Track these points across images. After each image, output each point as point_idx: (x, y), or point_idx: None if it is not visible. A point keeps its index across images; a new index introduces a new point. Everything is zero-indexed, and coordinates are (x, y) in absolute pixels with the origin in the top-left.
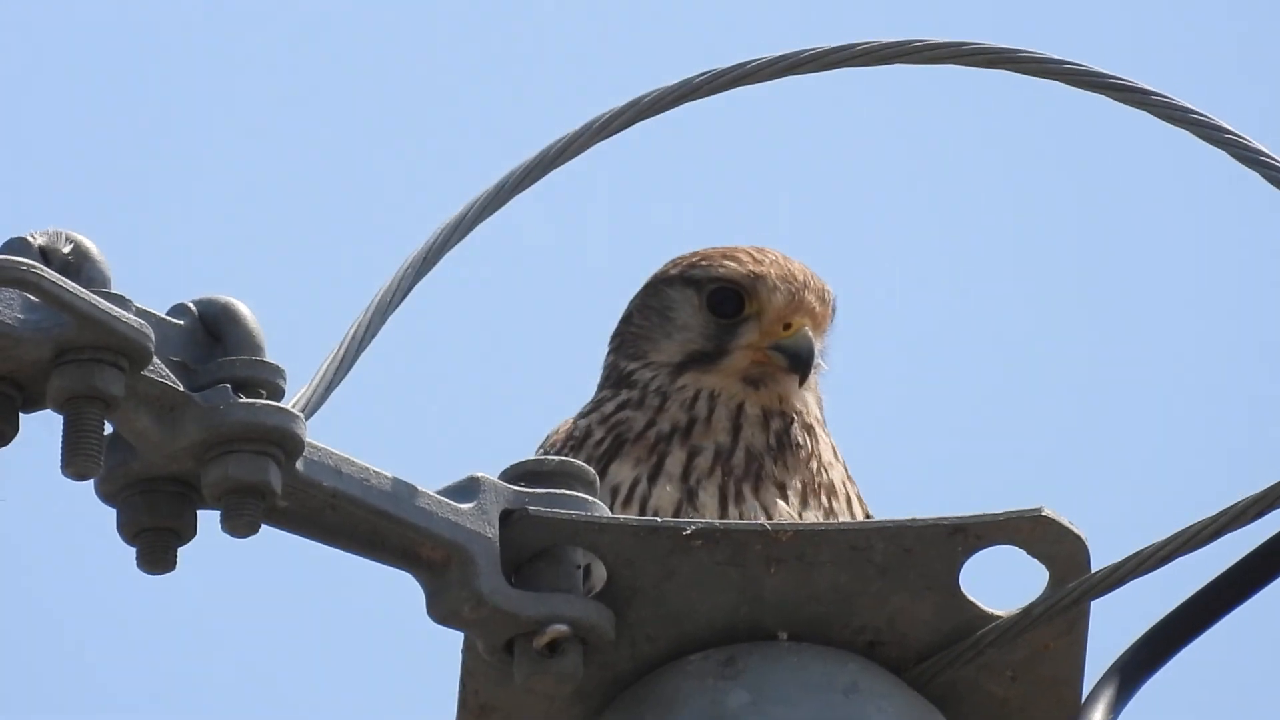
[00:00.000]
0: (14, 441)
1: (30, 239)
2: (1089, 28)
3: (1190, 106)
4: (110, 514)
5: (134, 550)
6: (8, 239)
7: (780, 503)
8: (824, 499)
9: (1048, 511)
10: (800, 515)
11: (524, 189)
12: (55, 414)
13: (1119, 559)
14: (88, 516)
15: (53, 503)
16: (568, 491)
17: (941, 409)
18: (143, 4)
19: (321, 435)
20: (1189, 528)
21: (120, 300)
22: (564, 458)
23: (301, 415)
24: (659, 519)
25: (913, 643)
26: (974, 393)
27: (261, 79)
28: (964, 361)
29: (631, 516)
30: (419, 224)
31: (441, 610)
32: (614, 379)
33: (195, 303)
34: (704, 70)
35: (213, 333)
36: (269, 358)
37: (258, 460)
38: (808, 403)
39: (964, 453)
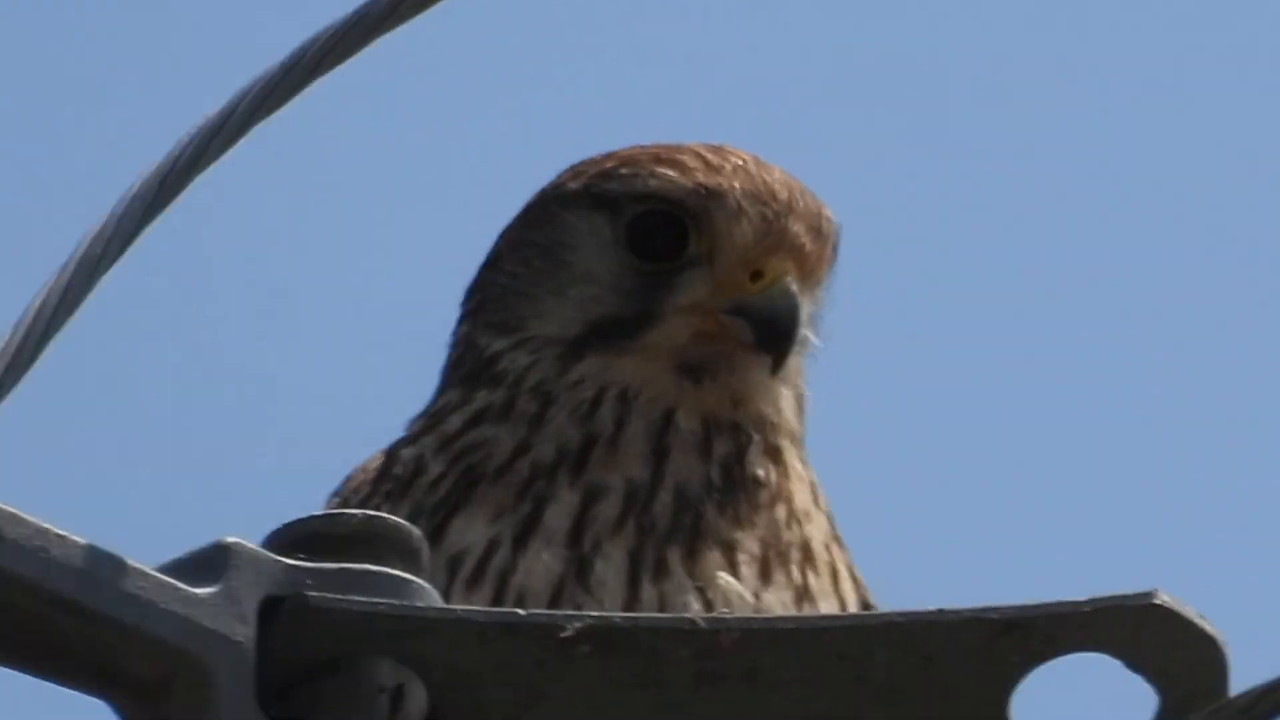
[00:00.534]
0: None
1: None
2: None
3: None
4: None
5: None
6: None
7: (724, 577)
8: (795, 571)
9: (1164, 597)
10: (756, 599)
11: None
12: None
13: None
14: None
15: None
16: (373, 566)
17: (987, 438)
18: None
19: None
20: None
21: None
22: (371, 512)
23: None
24: (523, 610)
25: None
26: (1040, 415)
27: None
28: (1025, 364)
29: (478, 608)
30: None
31: None
32: (467, 368)
33: None
34: None
35: None
36: None
37: None
38: (781, 408)
39: (1019, 509)
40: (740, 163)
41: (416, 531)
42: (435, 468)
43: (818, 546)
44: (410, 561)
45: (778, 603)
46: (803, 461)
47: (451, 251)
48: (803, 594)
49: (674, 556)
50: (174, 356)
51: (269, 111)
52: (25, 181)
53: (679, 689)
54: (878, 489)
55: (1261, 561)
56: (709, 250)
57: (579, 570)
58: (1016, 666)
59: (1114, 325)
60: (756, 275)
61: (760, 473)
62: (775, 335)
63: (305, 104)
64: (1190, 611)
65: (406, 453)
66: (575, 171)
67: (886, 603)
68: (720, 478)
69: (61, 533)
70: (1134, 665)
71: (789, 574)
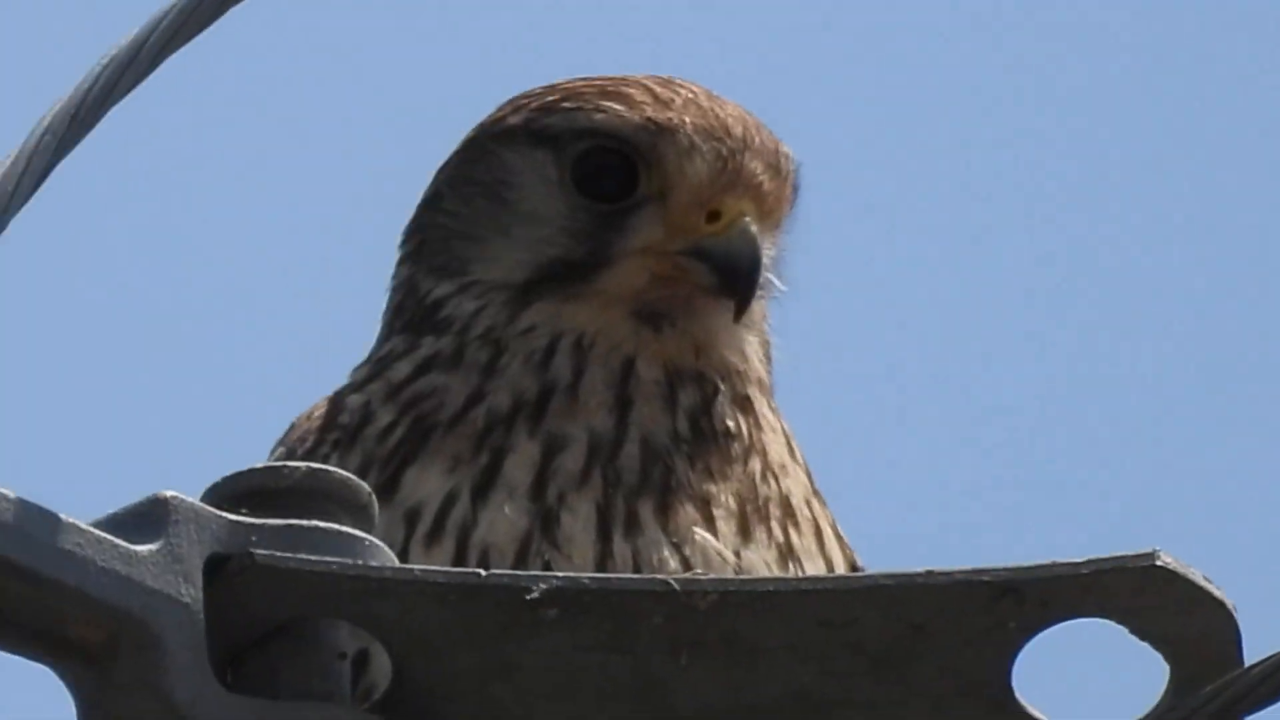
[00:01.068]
0: None
1: None
2: None
3: None
4: None
5: None
6: None
7: (701, 534)
8: (775, 528)
9: (1167, 559)
10: (737, 558)
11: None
12: None
13: None
14: None
15: None
16: (323, 523)
17: (974, 389)
18: None
19: None
20: None
21: None
22: (316, 465)
23: None
24: (485, 571)
25: None
26: (1028, 366)
27: None
28: (1012, 310)
29: (437, 567)
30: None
31: None
32: (411, 313)
33: None
34: None
35: None
36: None
37: None
38: (747, 355)
39: (1014, 461)
40: (691, 96)
41: (365, 486)
42: (384, 416)
43: (798, 502)
44: (359, 517)
45: (760, 562)
46: (774, 411)
47: (386, 186)
48: (786, 553)
49: (645, 511)
50: (98, 298)
51: (182, 41)
52: None
53: (654, 655)
54: (855, 442)
55: (1268, 527)
56: (661, 189)
57: (544, 524)
58: (1015, 633)
59: (1112, 274)
60: (713, 216)
61: (730, 423)
62: (736, 279)
63: (219, 33)
64: (1196, 574)
65: (353, 399)
66: (515, 105)
67: (872, 560)
68: (688, 429)
69: None
70: (1138, 631)
71: (770, 531)
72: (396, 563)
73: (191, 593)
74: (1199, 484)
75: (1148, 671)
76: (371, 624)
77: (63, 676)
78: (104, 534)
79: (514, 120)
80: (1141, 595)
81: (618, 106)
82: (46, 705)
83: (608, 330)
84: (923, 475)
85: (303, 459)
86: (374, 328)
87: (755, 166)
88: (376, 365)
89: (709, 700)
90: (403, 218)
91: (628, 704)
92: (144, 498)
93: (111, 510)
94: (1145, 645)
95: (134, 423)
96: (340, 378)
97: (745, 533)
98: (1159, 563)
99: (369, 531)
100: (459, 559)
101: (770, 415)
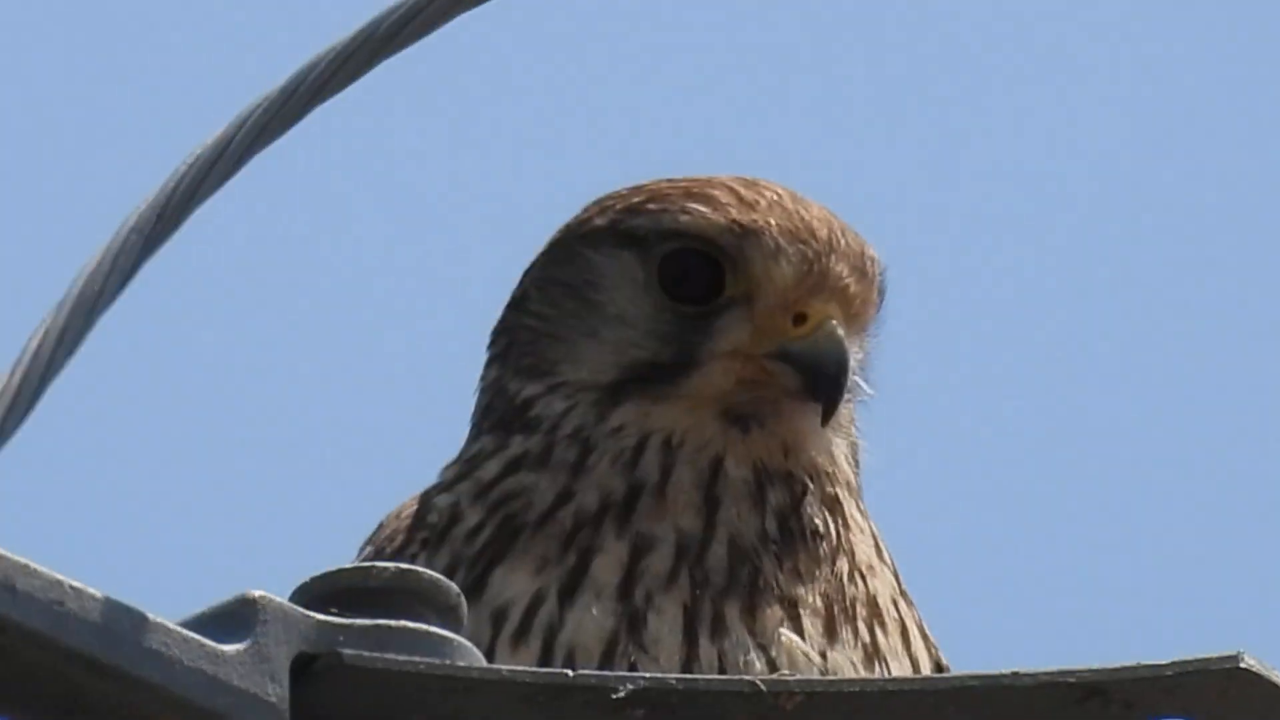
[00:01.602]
0: None
1: None
2: None
3: None
4: None
5: None
6: None
7: (788, 635)
8: (862, 628)
9: (1250, 660)
10: (823, 658)
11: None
12: None
13: None
14: None
15: None
16: (410, 623)
17: (1060, 492)
18: None
19: None
20: None
21: None
22: (405, 565)
23: None
24: (571, 671)
25: None
26: (1110, 471)
27: None
28: (1095, 415)
29: (524, 668)
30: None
31: None
32: (499, 413)
33: None
34: None
35: None
36: None
37: None
38: (835, 456)
39: (1100, 562)
40: (776, 197)
41: (454, 586)
42: (473, 516)
43: (884, 602)
44: (448, 617)
45: (846, 662)
46: (862, 512)
47: (473, 287)
48: (872, 653)
49: (732, 612)
50: (186, 396)
51: (268, 140)
52: (17, 218)
53: None
54: (943, 542)
55: None
56: (747, 292)
57: (631, 626)
58: None
59: (1189, 380)
60: (799, 319)
61: (818, 523)
62: (823, 383)
63: (306, 131)
64: (1278, 675)
65: (441, 500)
66: (601, 206)
67: (957, 664)
68: (776, 529)
69: (77, 585)
70: None
71: (856, 631)
72: (484, 663)
73: (278, 692)
74: None
75: None
76: None
77: None
78: (191, 633)
79: (600, 221)
80: (1225, 697)
81: (703, 208)
82: None
83: (696, 430)
84: (1010, 575)
85: (391, 558)
86: (463, 428)
87: (841, 269)
88: (465, 465)
89: None
90: (491, 319)
91: None
92: (232, 597)
93: (199, 609)
94: None
95: (223, 521)
96: (429, 477)
97: (831, 633)
98: (1243, 665)
99: (457, 632)
100: (545, 659)
101: (858, 516)
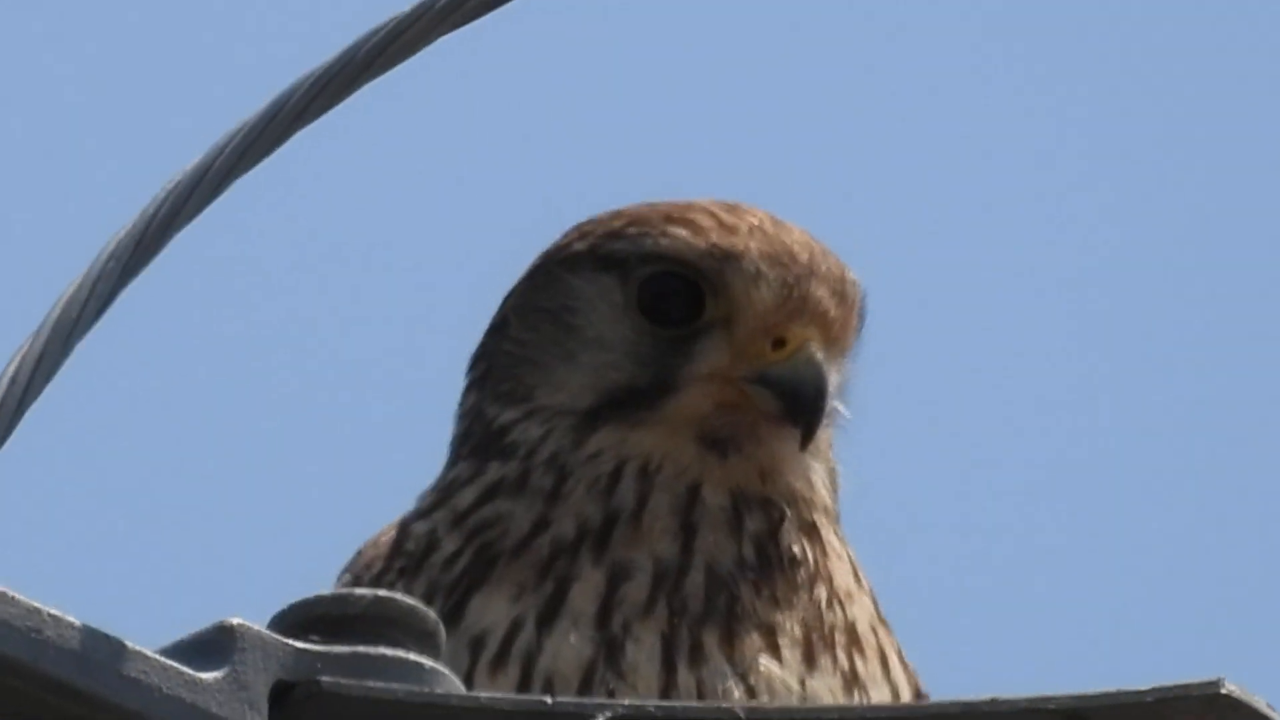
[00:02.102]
0: None
1: None
2: None
3: None
4: None
5: None
6: None
7: (765, 663)
8: (841, 656)
9: (1231, 687)
10: (801, 686)
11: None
12: None
13: None
14: None
15: None
16: (388, 650)
17: (1037, 518)
18: None
19: None
20: None
21: None
22: (383, 592)
23: None
24: (550, 699)
25: None
26: (1088, 495)
27: None
28: (1088, 430)
29: (503, 694)
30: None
31: None
32: (477, 439)
33: None
34: None
35: None
36: None
37: None
38: (812, 482)
39: (1079, 587)
40: (756, 222)
41: (431, 613)
42: (449, 544)
43: (864, 629)
44: (426, 645)
45: (825, 690)
46: (840, 538)
47: (452, 312)
48: (851, 681)
49: (710, 640)
50: (161, 424)
51: (248, 166)
52: None
53: None
54: (920, 568)
55: None
56: (726, 315)
57: (609, 653)
58: None
59: (1171, 399)
60: (779, 343)
61: (796, 550)
62: (801, 407)
63: (285, 157)
64: (1259, 702)
65: (418, 527)
66: (581, 231)
67: (935, 690)
68: (754, 555)
69: (55, 612)
70: None
71: (835, 659)
72: (463, 690)
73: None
74: (1265, 609)
75: None
76: None
77: None
78: (169, 661)
79: (580, 246)
80: None
81: (683, 232)
82: None
83: (673, 456)
84: (987, 601)
85: (369, 586)
86: (442, 454)
87: (821, 293)
88: (442, 492)
89: None
90: (471, 345)
91: None
92: (210, 625)
93: (177, 637)
94: None
95: (199, 550)
96: (406, 504)
97: (810, 660)
98: (1224, 690)
99: (435, 659)
100: (524, 686)
101: (836, 542)
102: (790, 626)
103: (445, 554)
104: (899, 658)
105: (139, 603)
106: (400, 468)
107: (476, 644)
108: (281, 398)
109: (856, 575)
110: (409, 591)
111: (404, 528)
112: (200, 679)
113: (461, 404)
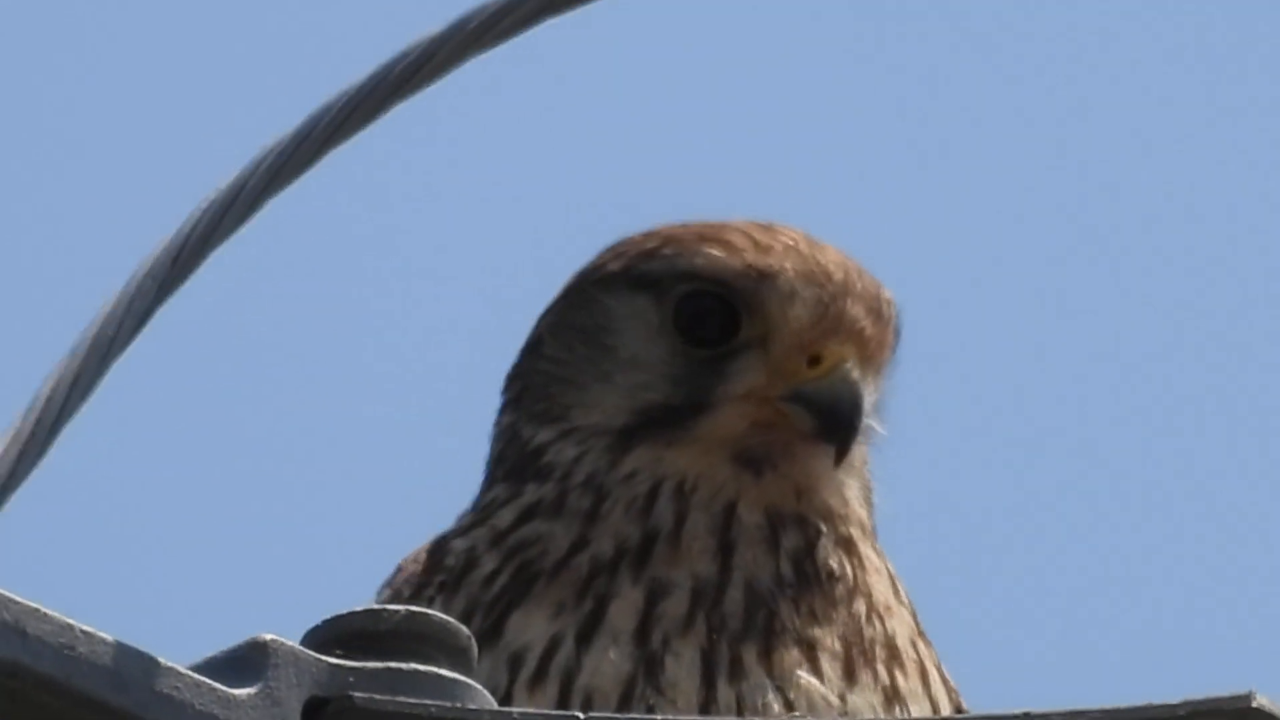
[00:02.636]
0: None
1: None
2: None
3: None
4: None
5: None
6: None
7: (805, 678)
8: (881, 670)
9: (1263, 700)
10: (841, 701)
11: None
12: None
13: None
14: None
15: None
16: (422, 666)
17: (1071, 529)
18: None
19: None
20: None
21: None
22: (415, 608)
23: None
24: (582, 715)
25: None
26: (1117, 505)
27: None
28: (1115, 441)
29: (537, 710)
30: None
31: None
32: (513, 460)
33: None
34: None
35: None
36: None
37: None
38: (847, 499)
39: (1113, 601)
40: (791, 241)
41: (464, 629)
42: (489, 563)
43: (903, 643)
44: (458, 660)
45: (865, 705)
46: (877, 553)
47: (486, 332)
48: (891, 696)
49: (749, 655)
50: (199, 440)
51: (283, 184)
52: (31, 260)
53: None
54: (958, 582)
55: None
56: (762, 334)
57: (648, 669)
58: None
59: (1221, 406)
60: (814, 360)
61: (834, 565)
62: (837, 424)
63: (321, 174)
64: None
65: (458, 544)
66: (615, 252)
67: (972, 705)
68: (792, 572)
69: (88, 629)
70: None
71: (875, 673)
72: (495, 705)
73: None
74: None
75: None
76: None
77: None
78: (202, 678)
79: (615, 266)
80: None
81: (718, 252)
82: None
83: (709, 475)
84: (1022, 614)
85: (409, 602)
86: (475, 470)
87: (856, 311)
88: (481, 513)
89: None
90: (504, 362)
91: None
92: (243, 641)
93: (210, 653)
94: None
95: (233, 566)
96: (439, 521)
97: (850, 675)
98: (1255, 703)
99: (468, 674)
100: (562, 703)
101: (874, 556)
102: (829, 641)
103: (485, 572)
104: (939, 672)
105: (172, 619)
106: (434, 486)
107: (515, 661)
108: (318, 414)
109: (896, 589)
110: (448, 608)
111: (443, 544)
112: (233, 695)
113: (497, 423)
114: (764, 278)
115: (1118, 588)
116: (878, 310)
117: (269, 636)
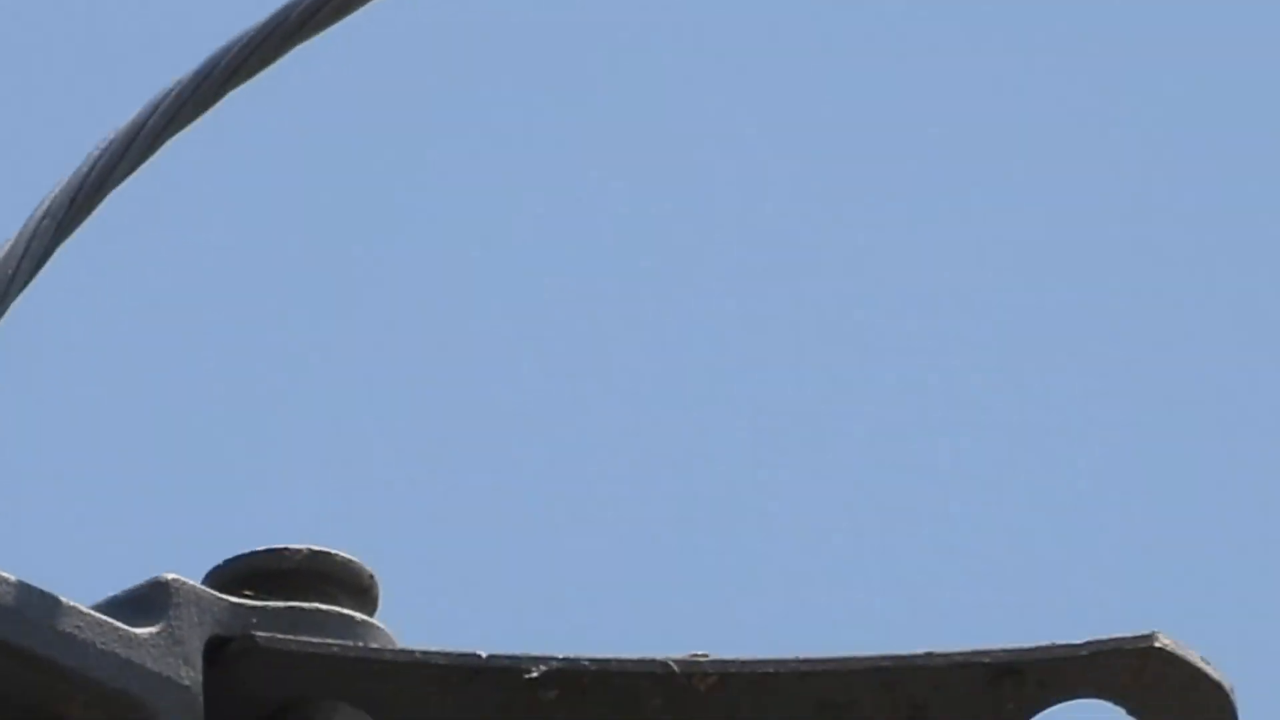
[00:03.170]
0: None
1: None
2: None
3: None
4: None
5: None
6: None
7: None
8: None
9: (1165, 640)
10: None
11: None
12: None
13: None
14: None
15: None
16: (325, 605)
17: (973, 467)
18: None
19: None
20: None
21: None
22: (319, 548)
23: None
24: (484, 653)
25: None
26: (1022, 443)
27: None
28: (1017, 373)
29: (438, 649)
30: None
31: None
32: None
33: None
34: None
35: None
36: None
37: None
38: None
39: (1016, 542)
40: None
41: (367, 568)
42: None
43: None
44: (361, 600)
45: None
46: None
47: (381, 276)
48: None
49: None
50: (99, 381)
51: (183, 124)
52: None
53: None
54: (856, 523)
55: (1268, 603)
56: None
57: None
58: (1014, 714)
59: (1104, 337)
60: None
61: None
62: None
63: (223, 114)
64: (1194, 655)
65: None
66: None
67: (869, 642)
68: None
69: None
70: (1136, 712)
71: None
72: (397, 645)
73: (192, 675)
74: (1203, 563)
75: None
76: (372, 705)
77: None
78: (104, 617)
79: None
80: (1140, 676)
81: None
82: None
83: None
84: (924, 556)
85: None
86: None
87: None
88: None
89: None
90: (414, 297)
91: None
92: (145, 581)
93: (112, 593)
94: None
95: (135, 505)
96: (342, 461)
97: None
98: (1158, 644)
99: (371, 613)
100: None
101: None
102: None
103: None
104: None
105: (73, 558)
106: (334, 424)
107: None
108: (217, 351)
109: None
110: None
111: None
112: (135, 634)
113: None
114: None
115: (1021, 528)
116: None
117: (170, 576)
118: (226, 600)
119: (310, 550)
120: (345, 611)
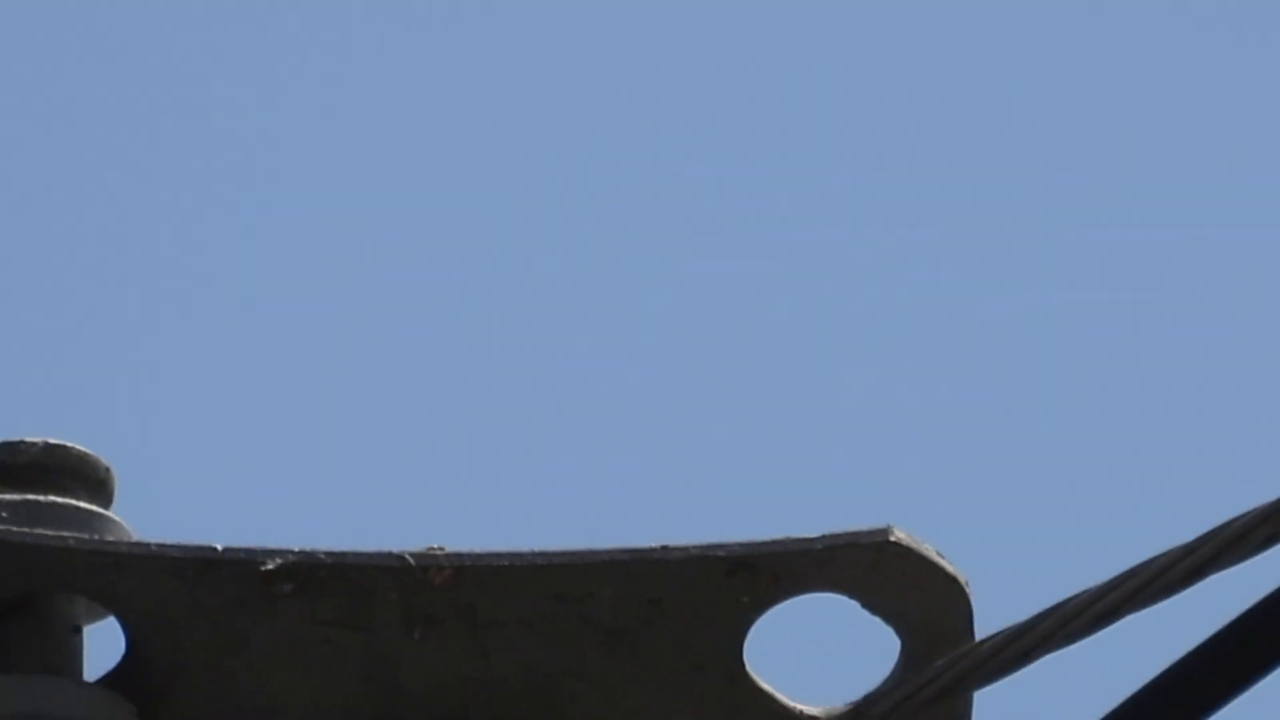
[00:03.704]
0: None
1: None
2: None
3: None
4: None
5: None
6: None
7: None
8: None
9: (900, 534)
10: None
11: None
12: None
13: (1023, 618)
14: None
15: None
16: (60, 498)
17: (717, 366)
18: None
19: None
20: (1149, 563)
21: None
22: (54, 441)
23: None
24: (220, 546)
25: None
26: (765, 336)
27: None
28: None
29: (174, 542)
30: None
31: None
32: None
33: None
34: None
35: None
36: None
37: None
38: None
39: (750, 437)
40: None
41: (103, 461)
42: None
43: None
44: (97, 492)
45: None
46: None
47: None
48: None
49: None
50: None
51: None
52: None
53: (389, 630)
54: (594, 417)
55: (1005, 498)
56: None
57: None
58: (748, 610)
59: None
60: None
61: None
62: None
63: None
64: (929, 550)
65: None
66: None
67: (608, 537)
68: None
69: None
70: (871, 606)
71: None
72: (134, 537)
73: None
74: (939, 457)
75: (880, 646)
76: (108, 598)
77: None
78: None
79: None
80: (875, 570)
81: None
82: None
83: None
84: (658, 449)
85: None
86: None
87: None
88: None
89: (440, 675)
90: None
91: (359, 678)
92: None
93: None
94: (878, 620)
95: None
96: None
97: None
98: (892, 538)
99: (107, 506)
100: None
101: None
102: None
103: None
104: None
105: None
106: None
107: None
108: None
109: None
110: None
111: None
112: None
113: None
114: None
115: (757, 424)
116: None
117: None
118: None
119: (46, 443)
120: (81, 504)
